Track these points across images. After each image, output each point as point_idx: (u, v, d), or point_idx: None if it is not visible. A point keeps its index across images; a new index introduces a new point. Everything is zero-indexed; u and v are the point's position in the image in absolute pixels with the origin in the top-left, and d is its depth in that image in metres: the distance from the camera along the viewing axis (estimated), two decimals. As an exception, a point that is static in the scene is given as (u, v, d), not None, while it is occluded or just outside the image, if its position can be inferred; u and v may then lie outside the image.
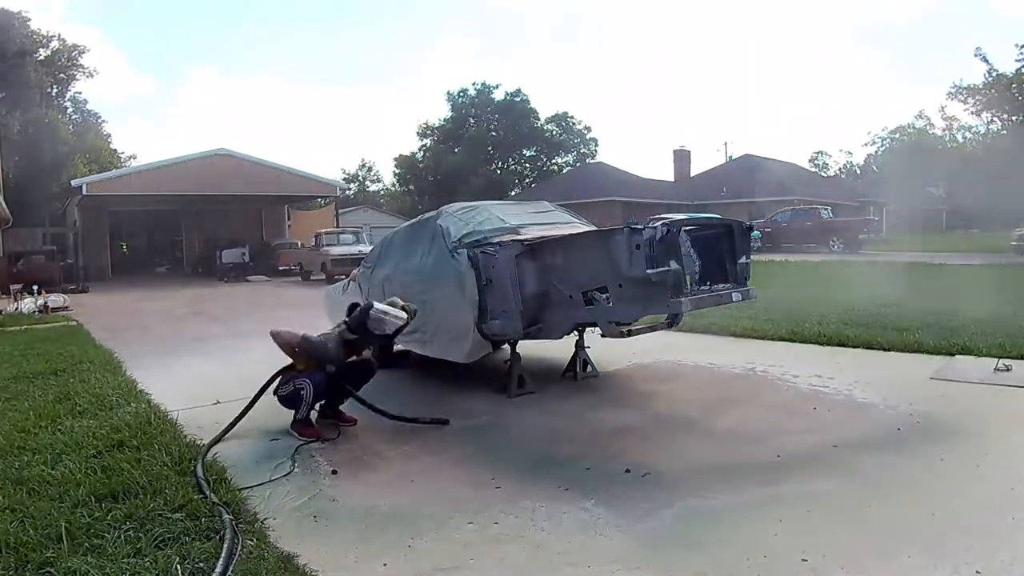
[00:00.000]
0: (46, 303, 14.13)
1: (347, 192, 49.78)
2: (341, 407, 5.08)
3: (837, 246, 24.48)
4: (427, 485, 3.86)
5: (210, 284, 22.26)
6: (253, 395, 4.88)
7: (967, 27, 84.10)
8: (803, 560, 2.83)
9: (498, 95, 55.70)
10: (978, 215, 40.72)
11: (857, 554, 2.87)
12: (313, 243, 22.64)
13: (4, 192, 23.98)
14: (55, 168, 34.49)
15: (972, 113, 29.63)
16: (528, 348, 6.18)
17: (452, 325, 5.64)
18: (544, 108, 65.06)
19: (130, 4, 79.86)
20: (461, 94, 56.05)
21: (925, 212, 47.30)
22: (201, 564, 2.86)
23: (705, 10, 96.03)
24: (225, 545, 2.96)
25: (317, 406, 4.94)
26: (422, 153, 57.70)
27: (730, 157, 46.16)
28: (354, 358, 5.00)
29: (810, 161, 64.32)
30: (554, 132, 57.14)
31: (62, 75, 40.22)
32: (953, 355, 6.44)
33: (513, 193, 50.10)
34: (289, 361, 4.91)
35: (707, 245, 5.25)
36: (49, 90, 38.70)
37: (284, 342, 4.87)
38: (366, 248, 17.57)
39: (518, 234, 5.71)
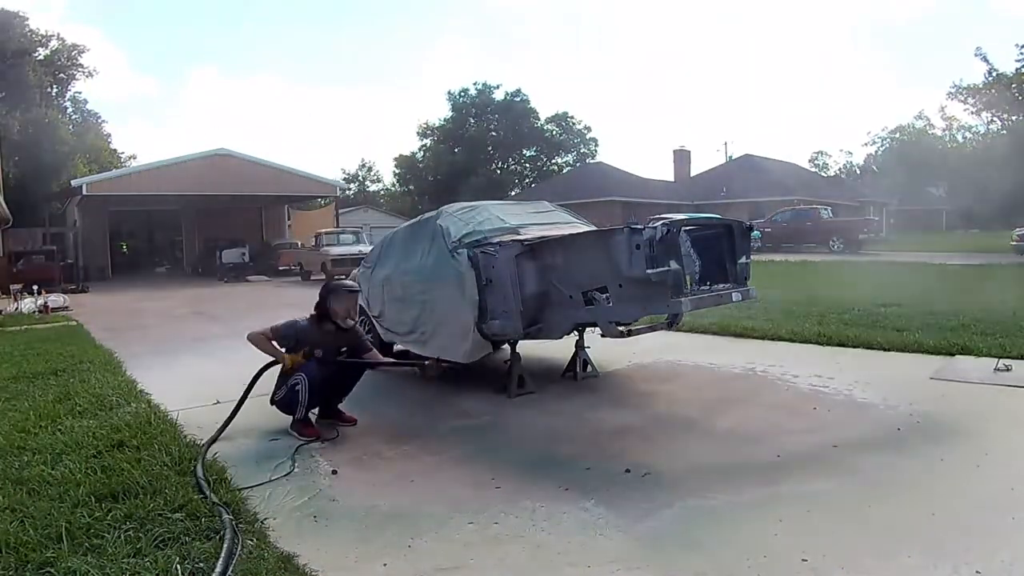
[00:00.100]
0: (46, 303, 14.13)
1: (347, 192, 49.75)
2: (340, 407, 5.08)
3: (837, 246, 24.48)
4: (427, 485, 3.86)
5: (210, 284, 22.25)
6: (241, 393, 4.87)
7: (967, 27, 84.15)
8: (803, 560, 2.83)
9: (498, 95, 55.77)
10: (978, 215, 40.75)
11: (857, 554, 2.87)
12: (313, 243, 22.64)
13: (4, 192, 23.97)
14: (55, 168, 34.49)
15: (972, 113, 29.64)
16: (528, 348, 6.18)
17: (452, 325, 5.64)
18: (544, 108, 65.17)
19: (130, 4, 79.96)
20: (461, 94, 56.10)
21: (925, 212, 47.34)
22: (201, 564, 2.86)
23: (705, 10, 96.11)
24: (225, 545, 2.96)
25: (316, 410, 4.94)
26: (422, 153, 57.71)
27: (730, 157, 46.16)
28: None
29: (810, 161, 64.32)
30: (554, 132, 57.15)
31: (62, 75, 40.21)
32: (953, 355, 6.44)
33: (513, 193, 50.10)
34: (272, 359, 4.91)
35: (707, 245, 5.25)
36: (49, 90, 38.68)
37: (257, 339, 4.84)
38: (366, 248, 17.59)
39: (518, 234, 5.71)
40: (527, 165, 58.07)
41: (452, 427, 4.94)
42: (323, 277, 19.88)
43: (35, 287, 15.95)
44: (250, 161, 26.32)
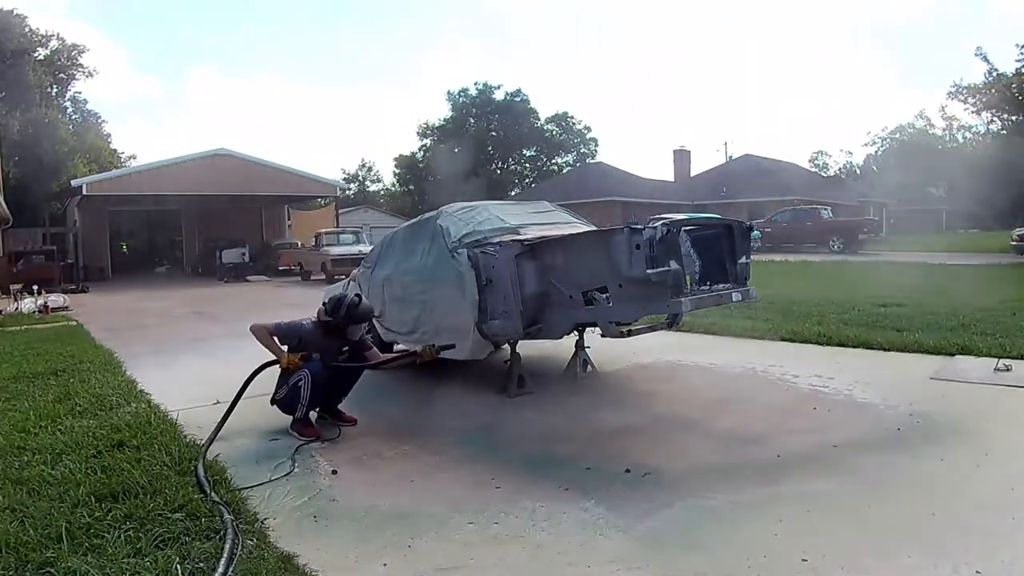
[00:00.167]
0: (46, 303, 14.12)
1: (347, 192, 49.71)
2: (340, 407, 5.08)
3: (837, 246, 24.47)
4: (427, 485, 3.87)
5: (210, 284, 22.26)
6: (237, 391, 4.87)
7: (967, 27, 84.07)
8: (803, 560, 2.83)
9: (498, 95, 55.75)
10: (978, 215, 40.74)
11: (857, 554, 2.88)
12: (313, 243, 22.63)
13: (4, 192, 23.97)
14: (55, 168, 34.45)
15: (972, 113, 29.60)
16: (528, 348, 6.18)
17: (452, 325, 5.64)
18: (544, 108, 65.12)
19: (130, 4, 79.84)
20: (461, 94, 56.10)
21: (925, 212, 47.32)
22: (201, 564, 2.86)
23: (705, 10, 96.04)
24: (226, 545, 2.96)
25: (316, 409, 4.94)
26: (422, 153, 57.72)
27: (730, 157, 46.14)
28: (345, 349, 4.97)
29: (810, 161, 64.26)
30: (554, 132, 57.14)
31: (62, 75, 40.17)
32: (953, 355, 6.44)
33: (513, 193, 50.10)
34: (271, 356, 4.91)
35: (707, 245, 5.25)
36: (49, 90, 38.64)
37: (259, 332, 4.85)
38: (366, 248, 17.57)
39: (518, 234, 5.71)
40: (527, 165, 58.05)
41: (452, 427, 4.94)
42: (323, 277, 19.90)
43: (35, 287, 15.95)
44: (250, 161, 26.31)
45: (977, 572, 2.69)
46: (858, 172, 60.35)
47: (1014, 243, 20.72)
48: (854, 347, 7.08)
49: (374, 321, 6.63)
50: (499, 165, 56.25)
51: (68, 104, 41.99)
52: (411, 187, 57.94)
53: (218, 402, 5.45)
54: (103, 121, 45.13)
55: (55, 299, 14.96)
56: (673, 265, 4.55)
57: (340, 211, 31.70)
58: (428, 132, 57.67)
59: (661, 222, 4.81)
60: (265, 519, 3.38)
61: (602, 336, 5.51)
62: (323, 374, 4.72)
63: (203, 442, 4.40)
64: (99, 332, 10.34)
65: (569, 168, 54.12)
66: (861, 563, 2.81)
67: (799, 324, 8.22)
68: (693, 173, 42.53)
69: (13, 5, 41.09)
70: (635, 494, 3.61)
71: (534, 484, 3.79)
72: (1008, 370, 5.72)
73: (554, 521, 3.32)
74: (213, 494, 3.53)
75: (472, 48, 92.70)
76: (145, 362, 7.56)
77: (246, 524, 3.27)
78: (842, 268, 17.39)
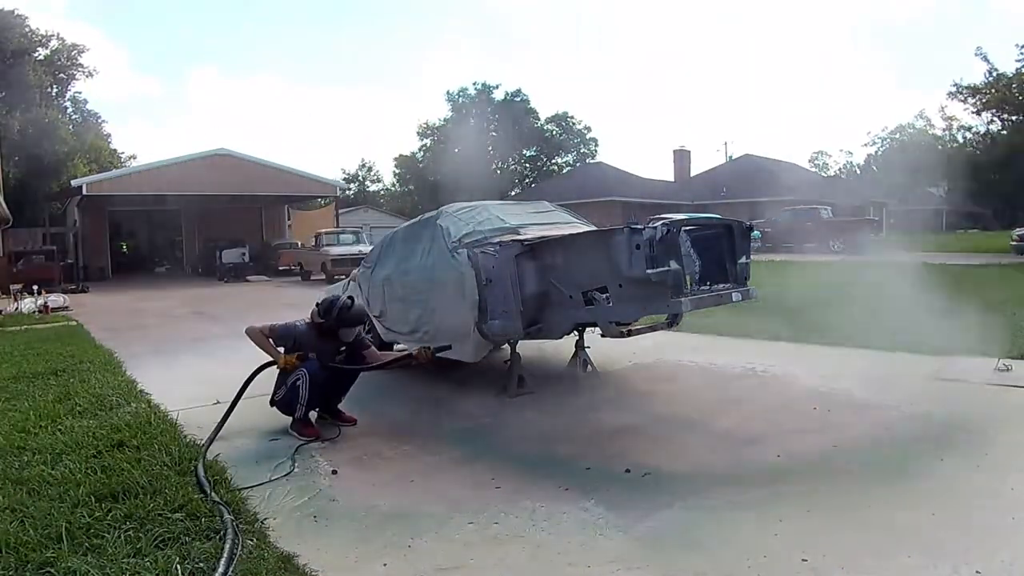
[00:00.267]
0: (46, 303, 14.12)
1: (347, 192, 49.69)
2: (340, 406, 5.08)
3: (837, 246, 24.47)
4: (427, 485, 3.87)
5: (210, 284, 22.25)
6: (236, 391, 4.87)
7: (967, 27, 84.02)
8: (803, 560, 2.83)
9: (498, 95, 55.77)
10: (978, 215, 40.76)
11: (857, 554, 2.88)
12: (313, 243, 22.62)
13: (4, 192, 23.97)
14: (55, 168, 34.46)
15: (972, 113, 29.62)
16: (528, 348, 6.18)
17: (452, 325, 5.64)
18: (544, 108, 65.06)
19: (130, 4, 79.78)
20: (461, 94, 56.12)
21: (925, 212, 47.31)
22: (201, 564, 2.86)
23: (705, 10, 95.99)
24: (226, 545, 2.96)
25: (316, 409, 4.94)
26: (422, 153, 57.71)
27: (730, 157, 46.14)
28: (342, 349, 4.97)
29: (810, 161, 64.30)
30: (554, 132, 57.16)
31: (62, 75, 40.16)
32: (953, 355, 6.43)
33: (513, 193, 50.09)
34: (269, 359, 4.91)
35: (707, 245, 5.25)
36: (49, 90, 38.63)
37: (255, 335, 4.86)
38: (366, 248, 17.55)
39: (518, 234, 5.71)
40: (527, 165, 58.07)
41: (452, 427, 4.94)
42: (323, 277, 19.89)
43: (35, 287, 15.93)
44: (250, 161, 26.29)
45: (977, 572, 2.69)
46: (858, 172, 60.34)
47: (1014, 243, 20.72)
48: (854, 347, 7.08)
49: (374, 321, 6.63)
50: (499, 165, 56.24)
51: (68, 104, 42.00)
52: (411, 187, 57.95)
53: (218, 402, 5.45)
54: (103, 121, 45.15)
55: (55, 299, 14.96)
56: (673, 265, 4.55)
57: (340, 211, 31.68)
58: (428, 132, 57.71)
59: (661, 222, 4.81)
60: (265, 519, 3.38)
61: (602, 336, 5.51)
62: (321, 373, 4.72)
63: (203, 442, 4.40)
64: (99, 332, 10.34)
65: (569, 168, 54.12)
66: (861, 563, 2.81)
67: (799, 324, 8.22)
68: (693, 173, 42.50)
69: (13, 5, 41.14)
70: (635, 494, 3.61)
71: (534, 484, 3.79)
72: (1008, 370, 5.72)
73: (554, 521, 3.32)
74: (213, 494, 3.53)
75: (472, 48, 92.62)
76: (145, 362, 7.56)
77: (246, 524, 3.27)
78: (842, 268, 17.39)
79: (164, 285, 22.40)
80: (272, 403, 4.87)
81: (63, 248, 25.44)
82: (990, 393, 5.28)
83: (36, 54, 37.46)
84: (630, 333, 5.53)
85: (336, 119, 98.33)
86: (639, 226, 4.61)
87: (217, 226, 29.15)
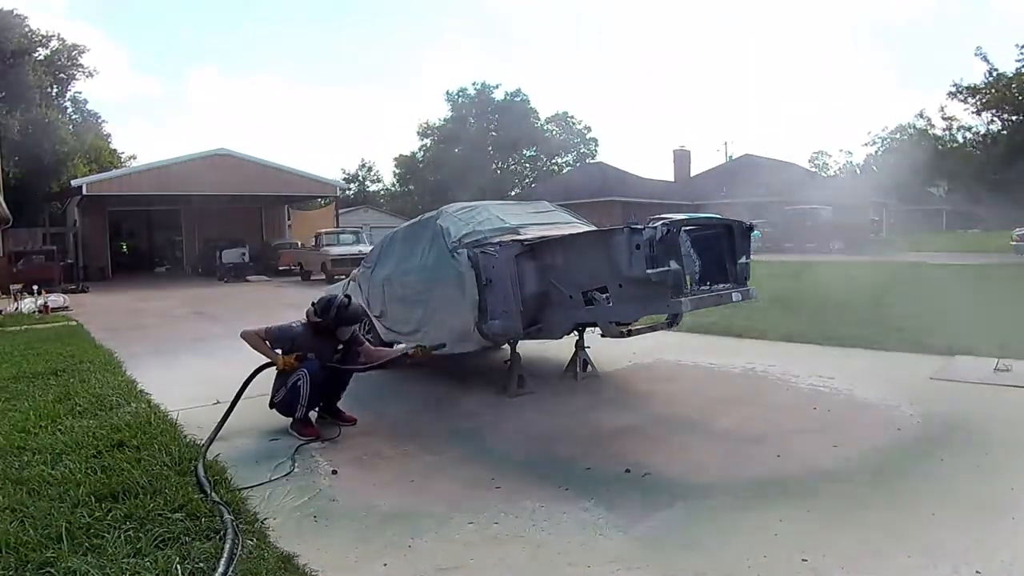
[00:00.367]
0: (46, 303, 14.12)
1: (347, 192, 49.68)
2: (339, 405, 5.08)
3: (837, 246, 24.47)
4: (427, 485, 3.87)
5: (210, 284, 22.25)
6: (236, 392, 4.86)
7: (967, 27, 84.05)
8: (803, 560, 2.83)
9: (498, 95, 55.79)
10: (978, 215, 40.72)
11: (857, 554, 2.88)
12: (313, 243, 22.62)
13: (4, 192, 23.94)
14: (55, 168, 34.42)
15: (972, 113, 29.58)
16: (528, 348, 6.18)
17: (453, 324, 5.64)
18: (544, 108, 65.22)
19: (130, 4, 79.84)
20: (460, 94, 56.12)
21: (925, 212, 47.32)
22: (201, 564, 2.86)
23: (705, 10, 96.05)
24: (226, 545, 2.96)
25: (316, 409, 4.94)
26: (422, 153, 57.72)
27: (730, 157, 46.16)
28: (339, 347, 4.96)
29: (810, 161, 64.37)
30: (554, 132, 57.17)
31: (62, 75, 40.10)
32: (953, 355, 6.44)
33: (513, 193, 50.08)
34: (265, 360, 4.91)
35: (707, 245, 5.25)
36: (49, 90, 38.56)
37: (251, 338, 4.85)
38: (366, 248, 17.56)
39: (518, 234, 5.71)
40: (527, 165, 58.08)
41: (452, 427, 4.94)
42: (323, 277, 19.89)
43: (35, 287, 15.93)
44: (250, 161, 26.29)
45: (977, 572, 2.69)
46: (858, 172, 60.33)
47: (1014, 243, 20.72)
48: (854, 347, 7.08)
49: (375, 321, 6.64)
50: (499, 165, 56.24)
51: (68, 104, 41.92)
52: (411, 187, 57.95)
53: (218, 402, 5.45)
54: (103, 121, 45.06)
55: (55, 299, 14.95)
56: (673, 265, 4.55)
57: (340, 211, 31.68)
58: (428, 132, 57.71)
59: (661, 222, 4.81)
60: (265, 519, 3.38)
61: (602, 336, 5.51)
62: (321, 373, 4.73)
63: (203, 442, 4.39)
64: (99, 332, 10.34)
65: (569, 168, 54.13)
66: (861, 563, 2.81)
67: (799, 324, 8.23)
68: (693, 173, 42.51)
69: (13, 5, 41.12)
70: (635, 494, 3.61)
71: (534, 484, 3.79)
72: (1008, 370, 5.72)
73: (554, 521, 3.32)
74: (213, 494, 3.53)
75: (472, 48, 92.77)
76: (145, 362, 7.56)
77: (246, 524, 3.27)
78: (842, 268, 17.39)
79: (164, 285, 22.40)
80: (272, 405, 4.87)
81: (63, 248, 25.41)
82: (990, 393, 5.28)
83: (36, 54, 37.41)
84: (630, 333, 5.53)
85: (336, 119, 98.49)
86: (639, 226, 4.61)
87: (217, 226, 29.14)
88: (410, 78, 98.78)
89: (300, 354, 4.76)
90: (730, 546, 3.00)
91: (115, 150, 45.07)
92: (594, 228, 5.99)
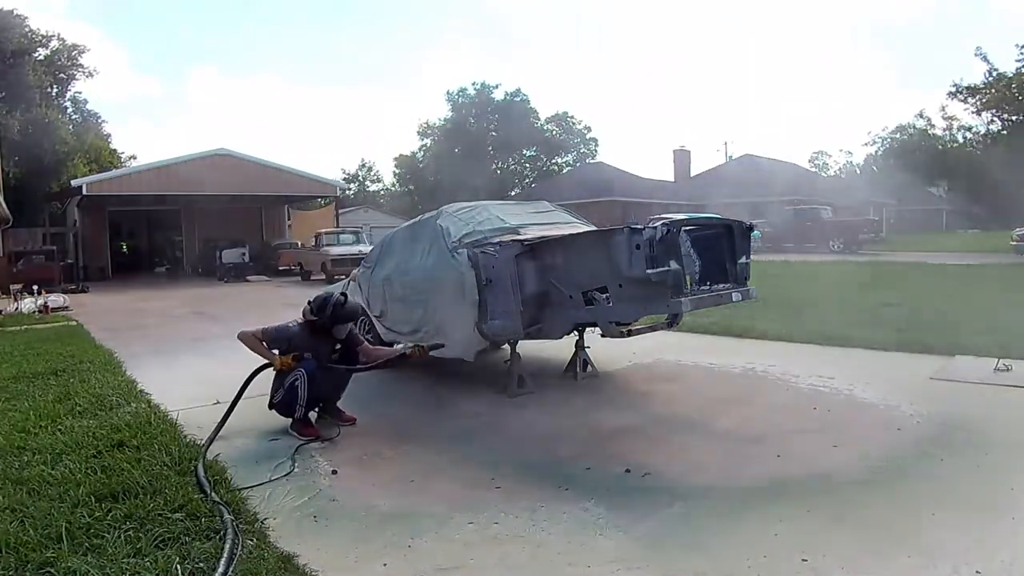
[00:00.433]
0: (46, 303, 14.11)
1: (347, 192, 49.71)
2: (339, 405, 5.08)
3: (837, 246, 24.48)
4: (427, 485, 3.86)
5: (210, 284, 22.24)
6: (235, 393, 4.86)
7: (967, 27, 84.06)
8: (803, 560, 2.83)
9: (498, 95, 55.78)
10: (978, 215, 40.71)
11: (857, 554, 2.88)
12: (313, 243, 22.62)
13: (4, 192, 23.94)
14: (55, 168, 34.42)
15: (972, 113, 29.60)
16: (528, 348, 6.18)
17: (453, 324, 5.64)
18: (544, 108, 65.16)
19: (130, 4, 79.88)
20: (460, 94, 56.11)
21: (925, 212, 47.33)
22: (201, 564, 2.86)
23: (705, 10, 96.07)
24: (226, 545, 2.96)
25: (316, 409, 4.94)
26: (422, 153, 57.72)
27: (730, 157, 46.17)
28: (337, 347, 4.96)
29: (810, 161, 64.39)
30: (554, 132, 57.16)
31: (62, 75, 40.10)
32: (953, 355, 6.43)
33: (513, 193, 50.09)
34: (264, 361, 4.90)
35: (707, 245, 5.26)
36: (49, 90, 38.57)
37: (248, 339, 4.85)
38: (366, 248, 17.56)
39: (518, 234, 5.71)
40: (527, 165, 58.07)
41: (452, 427, 4.94)
42: (323, 277, 19.89)
43: (35, 287, 15.93)
44: (250, 161, 26.29)
45: (977, 572, 2.69)
46: (858, 172, 60.32)
47: (1014, 243, 20.73)
48: (854, 347, 7.08)
49: (375, 321, 6.64)
50: (499, 165, 56.24)
51: (68, 104, 41.92)
52: (411, 187, 57.94)
53: (218, 402, 5.45)
54: (103, 121, 45.06)
55: (55, 299, 14.95)
56: (673, 265, 4.55)
57: (340, 211, 31.69)
58: (428, 132, 57.71)
59: (661, 222, 4.81)
60: (265, 519, 3.38)
61: (602, 336, 5.51)
62: (319, 373, 4.73)
63: (203, 442, 4.39)
64: (99, 332, 10.34)
65: (569, 168, 54.14)
66: (861, 563, 2.81)
67: (799, 324, 8.22)
68: (693, 173, 42.52)
69: (13, 5, 41.14)
70: (635, 494, 3.61)
71: (534, 484, 3.79)
72: (1008, 370, 5.72)
73: (554, 521, 3.32)
74: (213, 494, 3.53)
75: (472, 48, 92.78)
76: (145, 362, 7.56)
77: (246, 524, 3.27)
78: (842, 268, 17.39)
79: (164, 285, 22.41)
80: (271, 406, 4.87)
81: (63, 248, 25.42)
82: (990, 393, 5.28)
83: (36, 54, 37.42)
84: (630, 333, 5.53)
85: (336, 119, 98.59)
86: (639, 226, 4.61)
87: (217, 226, 29.13)
88: (410, 78, 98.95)
89: (297, 354, 4.76)
90: (730, 546, 3.00)
91: (115, 150, 45.05)
92: (594, 228, 5.99)
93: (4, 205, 21.73)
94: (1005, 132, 27.38)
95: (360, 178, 63.91)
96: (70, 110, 41.99)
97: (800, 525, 3.16)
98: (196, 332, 10.55)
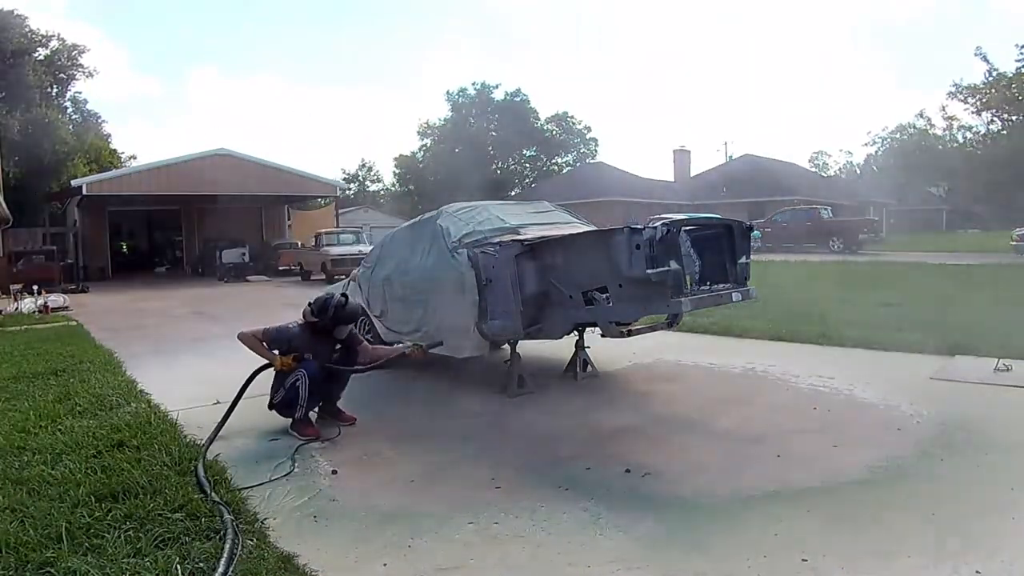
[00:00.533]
0: (46, 303, 14.11)
1: (347, 192, 49.71)
2: (339, 405, 5.08)
3: (837, 246, 24.48)
4: (427, 485, 3.86)
5: (210, 284, 22.24)
6: (235, 393, 4.86)
7: (967, 27, 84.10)
8: (803, 560, 2.83)
9: (498, 95, 55.75)
10: (978, 215, 40.71)
11: (857, 554, 2.88)
12: (313, 243, 22.62)
13: (4, 192, 23.94)
14: (55, 168, 34.42)
15: (972, 113, 29.64)
16: (528, 348, 6.18)
17: (453, 324, 5.64)
18: (544, 108, 65.06)
19: (130, 4, 79.87)
20: (460, 94, 56.08)
21: (925, 212, 47.34)
22: (201, 564, 2.86)
23: (705, 10, 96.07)
24: (226, 545, 2.96)
25: (316, 409, 4.94)
26: (422, 153, 57.70)
27: (730, 157, 46.17)
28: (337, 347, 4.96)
29: (810, 161, 64.32)
30: (554, 132, 57.13)
31: (62, 75, 40.10)
32: (953, 355, 6.44)
33: (513, 193, 50.07)
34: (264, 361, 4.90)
35: (707, 245, 5.26)
36: (49, 90, 38.57)
37: (248, 340, 4.85)
38: (366, 248, 17.56)
39: (518, 234, 5.71)
40: (527, 165, 58.04)
41: (452, 427, 4.93)
42: (323, 277, 19.89)
43: (35, 287, 15.93)
44: (250, 161, 26.28)
45: (977, 572, 2.69)
46: (858, 172, 60.32)
47: (1014, 243, 20.72)
48: (854, 347, 7.08)
49: (375, 321, 6.64)
50: (499, 165, 56.22)
51: (68, 104, 41.91)
52: (411, 187, 57.92)
53: (218, 402, 5.45)
54: (103, 121, 45.03)
55: (55, 299, 14.95)
56: (673, 265, 4.55)
57: (340, 211, 31.70)
58: (428, 132, 57.68)
59: (661, 222, 4.81)
60: (265, 519, 3.38)
61: (602, 336, 5.51)
62: (319, 373, 4.73)
63: (203, 442, 4.39)
64: (99, 332, 10.34)
65: (569, 168, 54.11)
66: (861, 563, 2.81)
67: (799, 324, 8.22)
68: (693, 173, 42.53)
69: (13, 5, 41.17)
70: (635, 494, 3.61)
71: (534, 484, 3.79)
72: (1008, 370, 5.72)
73: (554, 521, 3.32)
74: (213, 494, 3.53)
75: (472, 48, 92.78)
76: (145, 362, 7.56)
77: (246, 524, 3.27)
78: (842, 268, 17.39)
79: (164, 285, 22.40)
80: (271, 406, 4.87)
81: (63, 248, 25.42)
82: (990, 393, 5.28)
83: (36, 54, 37.41)
84: (630, 333, 5.53)
85: (336, 119, 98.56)
86: (639, 226, 4.61)
87: (217, 226, 29.13)
88: (410, 78, 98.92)
89: (297, 355, 4.76)
90: (730, 546, 3.00)
91: (115, 150, 45.03)
92: (594, 228, 5.99)
93: (4, 205, 21.73)
94: (1005, 132, 27.40)
95: (360, 178, 63.89)
96: (70, 110, 42.00)
97: (800, 525, 3.16)
98: (196, 332, 10.55)
